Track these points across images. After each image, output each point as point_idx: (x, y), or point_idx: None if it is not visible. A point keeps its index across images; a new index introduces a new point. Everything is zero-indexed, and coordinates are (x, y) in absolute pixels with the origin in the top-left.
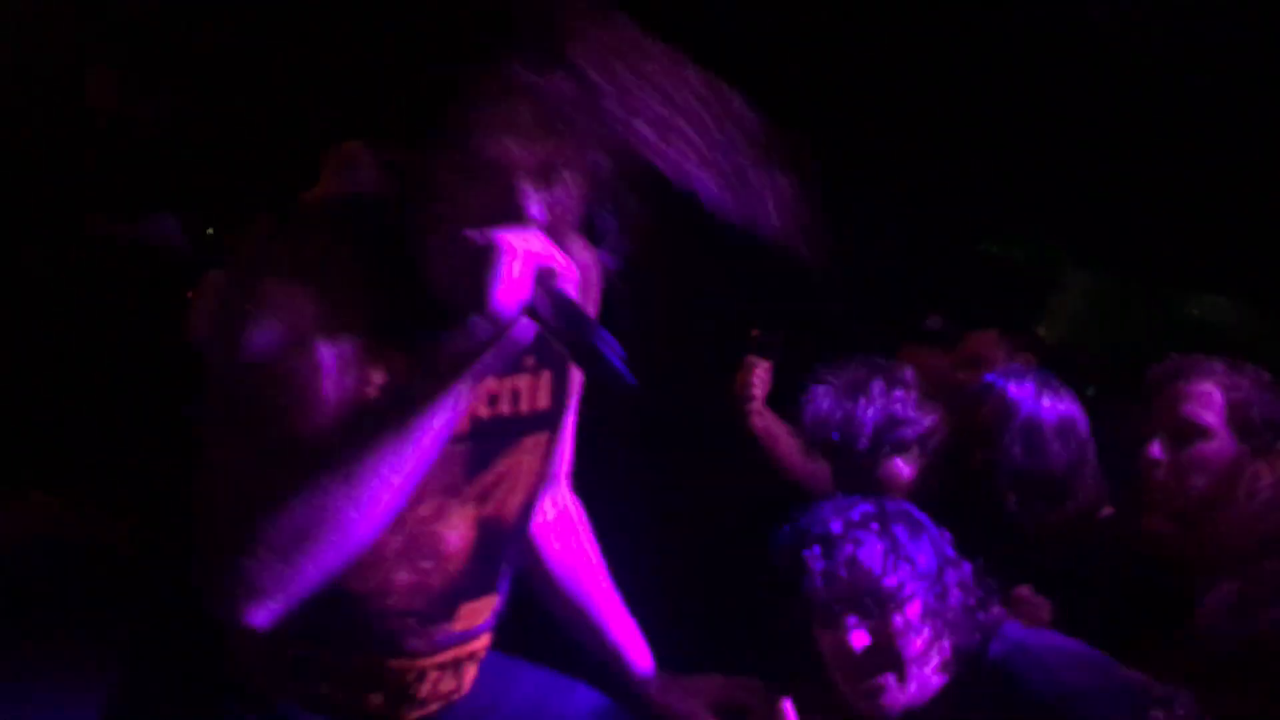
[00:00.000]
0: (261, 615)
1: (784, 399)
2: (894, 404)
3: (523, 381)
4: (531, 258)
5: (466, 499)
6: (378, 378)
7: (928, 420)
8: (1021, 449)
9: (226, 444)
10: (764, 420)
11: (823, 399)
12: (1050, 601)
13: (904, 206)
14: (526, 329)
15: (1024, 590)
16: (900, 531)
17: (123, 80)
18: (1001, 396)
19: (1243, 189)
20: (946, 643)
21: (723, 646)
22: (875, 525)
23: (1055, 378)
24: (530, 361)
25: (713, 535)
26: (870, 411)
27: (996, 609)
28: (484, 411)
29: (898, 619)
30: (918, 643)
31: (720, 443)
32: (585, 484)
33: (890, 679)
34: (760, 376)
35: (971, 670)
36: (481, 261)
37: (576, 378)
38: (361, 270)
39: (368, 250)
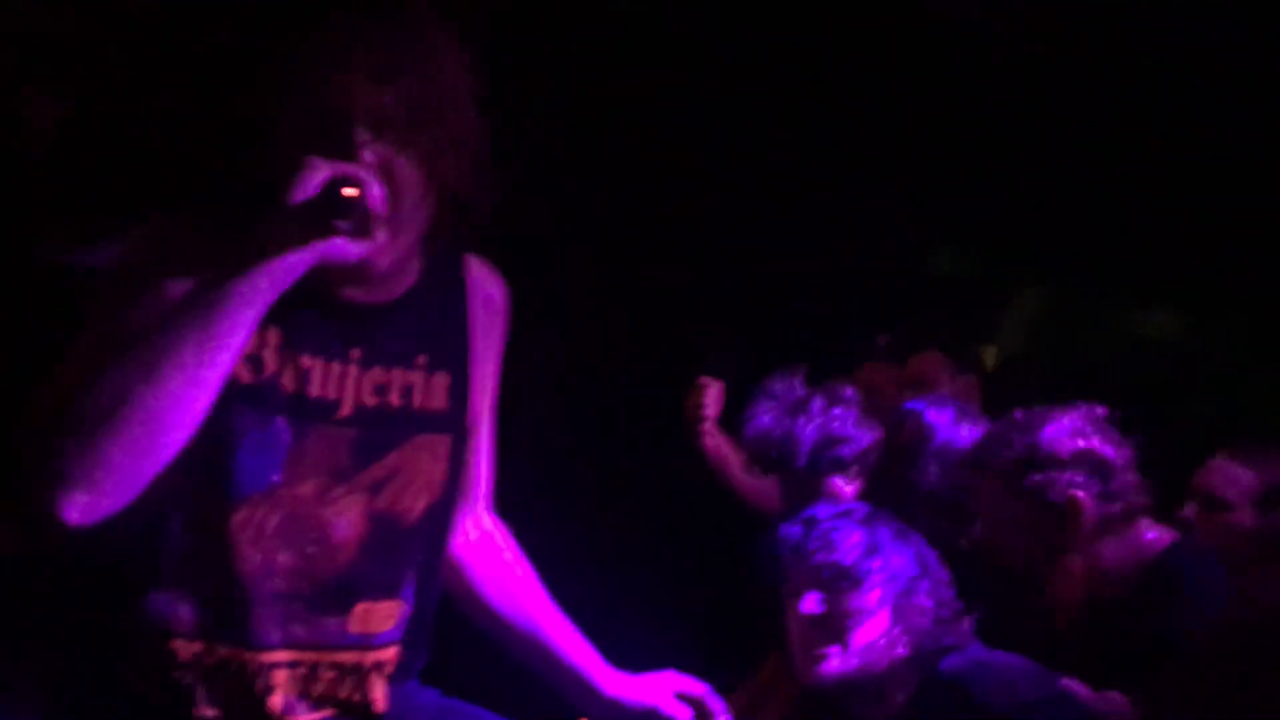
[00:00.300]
0: (72, 509)
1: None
2: (832, 422)
3: (415, 378)
4: (335, 169)
5: (356, 488)
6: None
7: (866, 439)
8: (936, 471)
9: (59, 362)
10: (715, 441)
11: (764, 415)
12: None
13: (855, 223)
14: (340, 247)
15: None
16: (884, 532)
17: (62, 99)
18: (919, 420)
19: (1192, 207)
20: (904, 641)
21: (676, 651)
22: (860, 517)
23: (974, 410)
24: (422, 359)
25: (667, 548)
26: (809, 429)
27: (965, 626)
28: (370, 399)
29: (854, 599)
30: (869, 627)
31: (672, 460)
32: (539, 495)
33: (835, 650)
34: (712, 397)
35: (931, 683)
36: (294, 176)
37: (481, 387)
38: (230, 218)
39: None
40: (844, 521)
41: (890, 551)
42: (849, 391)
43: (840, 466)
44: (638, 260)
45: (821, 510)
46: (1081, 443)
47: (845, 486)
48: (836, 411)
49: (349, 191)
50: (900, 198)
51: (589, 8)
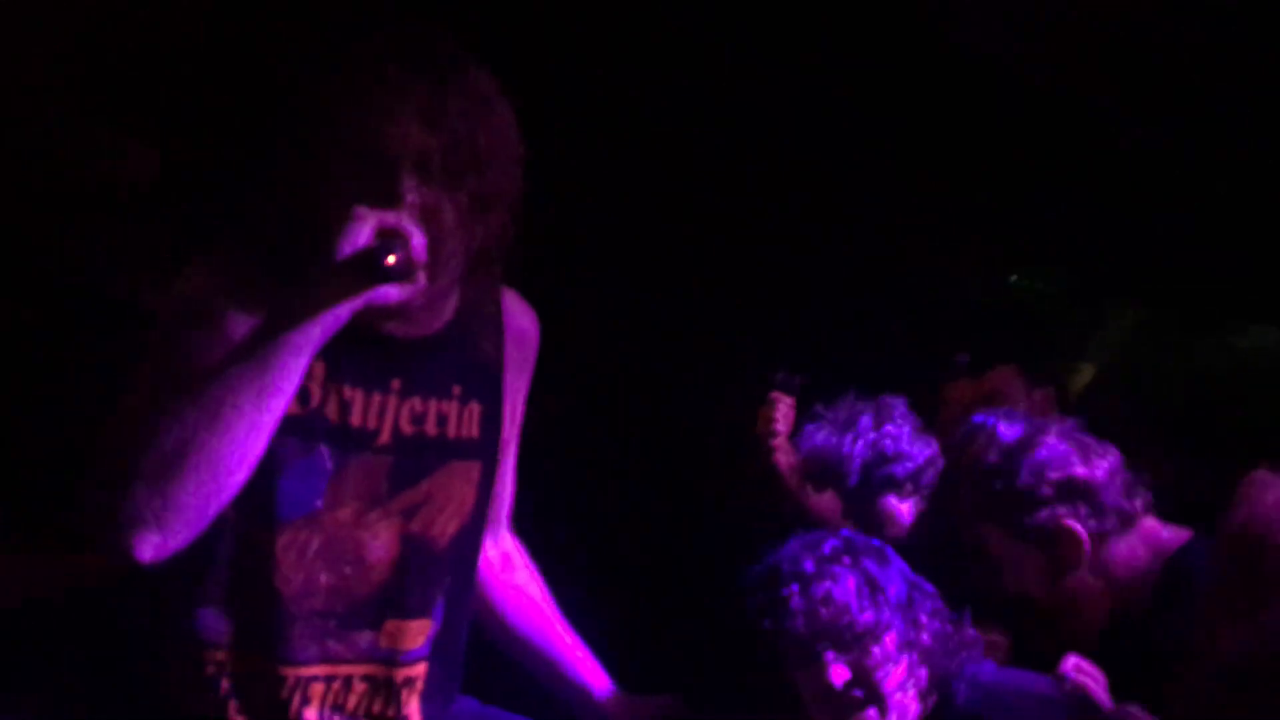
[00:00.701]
0: (145, 547)
1: None
2: (884, 440)
3: (450, 408)
4: (380, 220)
5: (391, 512)
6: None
7: (920, 456)
8: None
9: (120, 398)
10: (787, 458)
11: (815, 435)
12: (1008, 638)
13: (934, 240)
14: (384, 293)
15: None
16: (870, 564)
17: (162, 153)
18: (992, 435)
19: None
20: (923, 671)
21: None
22: (847, 559)
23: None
24: (457, 390)
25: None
26: (859, 447)
27: (970, 631)
28: (407, 428)
29: (876, 651)
30: (896, 673)
31: (735, 477)
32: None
33: (872, 713)
34: (783, 413)
35: (943, 713)
36: (340, 225)
37: (510, 416)
38: (269, 244)
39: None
40: (831, 568)
41: (884, 583)
42: (900, 408)
43: (893, 485)
44: (704, 278)
45: (805, 562)
46: (1057, 474)
47: (900, 504)
48: (888, 429)
49: (391, 260)
50: (977, 214)
51: (645, 46)
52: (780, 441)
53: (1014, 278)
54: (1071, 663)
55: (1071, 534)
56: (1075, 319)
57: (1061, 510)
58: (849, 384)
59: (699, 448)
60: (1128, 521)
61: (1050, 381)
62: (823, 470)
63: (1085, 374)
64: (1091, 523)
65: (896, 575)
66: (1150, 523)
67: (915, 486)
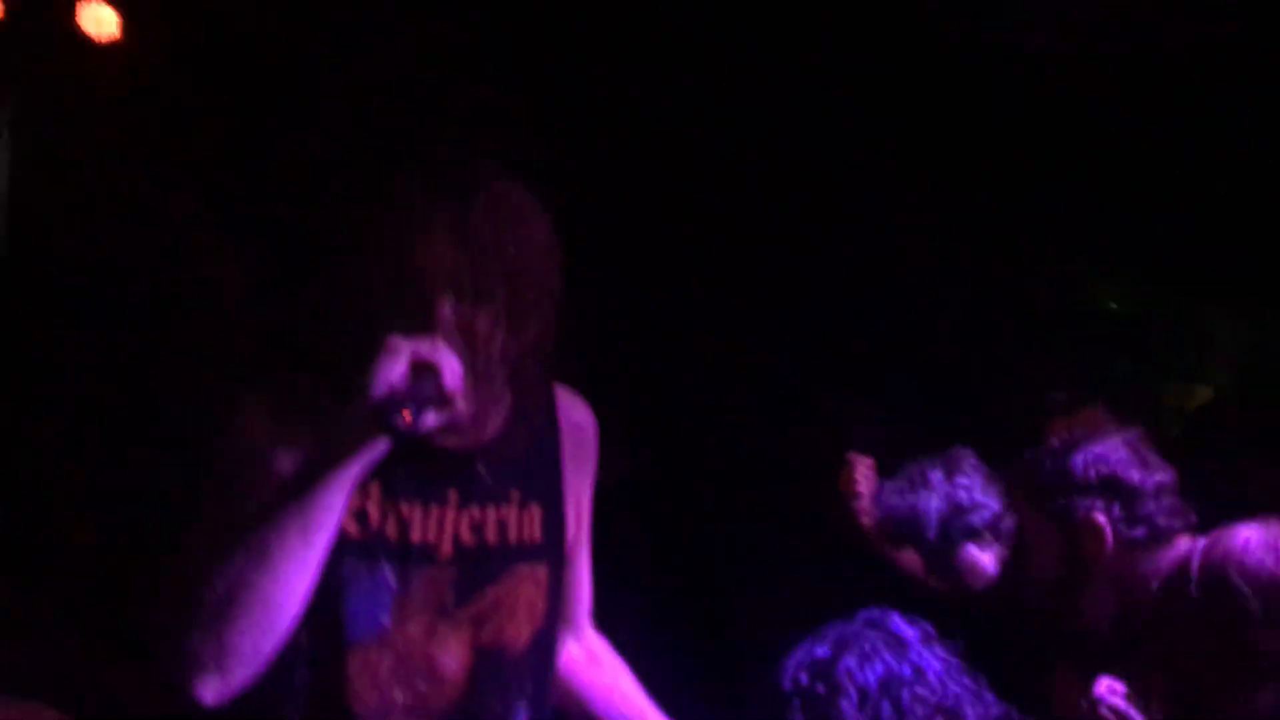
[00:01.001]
0: (208, 690)
1: None
2: (958, 491)
3: (509, 513)
4: (413, 353)
5: (460, 623)
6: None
7: (996, 504)
8: None
9: (179, 544)
10: (870, 518)
11: (890, 495)
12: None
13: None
14: (424, 421)
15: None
16: (850, 664)
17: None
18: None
19: None
20: None
21: None
22: (822, 676)
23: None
24: (515, 494)
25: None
26: (933, 502)
27: (988, 698)
28: (468, 538)
29: None
30: None
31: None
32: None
33: None
34: (864, 474)
35: None
36: (374, 355)
37: (575, 514)
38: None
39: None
40: (815, 685)
41: (864, 681)
42: (970, 459)
43: (972, 534)
44: (782, 335)
45: (792, 672)
46: (1105, 469)
47: (981, 555)
48: (960, 480)
49: (406, 420)
50: (1063, 237)
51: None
52: (864, 505)
53: (1113, 304)
54: (1105, 684)
55: (1098, 529)
56: (1184, 341)
57: (1097, 504)
58: (942, 435)
59: (781, 505)
60: (1159, 538)
61: (1140, 415)
62: (900, 530)
63: (1200, 396)
64: (1121, 527)
65: (881, 668)
66: (1184, 543)
67: (995, 535)
